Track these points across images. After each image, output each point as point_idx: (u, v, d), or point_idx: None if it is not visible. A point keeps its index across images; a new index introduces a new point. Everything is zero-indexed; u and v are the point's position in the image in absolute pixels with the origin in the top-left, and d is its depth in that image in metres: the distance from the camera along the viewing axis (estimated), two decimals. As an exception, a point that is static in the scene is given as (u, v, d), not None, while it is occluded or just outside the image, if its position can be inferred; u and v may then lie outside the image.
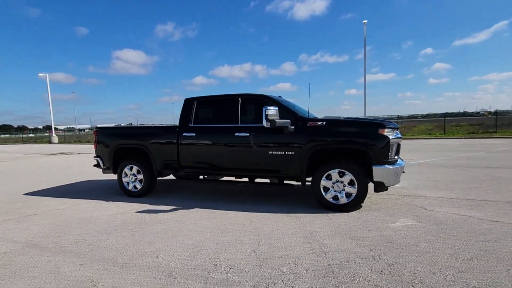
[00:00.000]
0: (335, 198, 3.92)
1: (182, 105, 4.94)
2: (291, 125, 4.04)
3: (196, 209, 4.29)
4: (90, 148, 17.91)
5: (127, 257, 2.76)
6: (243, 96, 4.53)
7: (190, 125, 4.76)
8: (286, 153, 4.09)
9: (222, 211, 4.13)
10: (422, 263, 2.45)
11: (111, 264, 2.63)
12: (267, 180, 4.88)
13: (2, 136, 56.05)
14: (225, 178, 5.13)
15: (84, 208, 4.57)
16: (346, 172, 3.84)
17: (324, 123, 3.99)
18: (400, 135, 4.04)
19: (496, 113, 23.83)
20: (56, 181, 7.03)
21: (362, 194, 3.82)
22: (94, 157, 5.57)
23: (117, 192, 5.51)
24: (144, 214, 4.14)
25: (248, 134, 4.29)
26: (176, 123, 4.97)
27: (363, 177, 3.80)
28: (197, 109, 4.82)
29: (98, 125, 5.82)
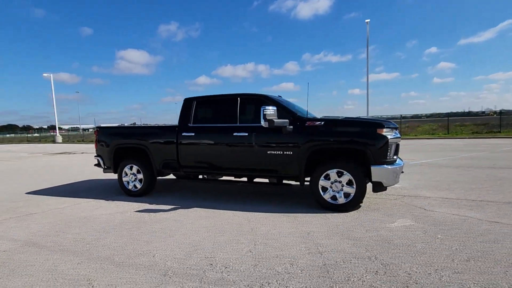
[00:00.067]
0: (334, 198, 3.91)
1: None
2: (290, 124, 4.03)
3: (195, 208, 4.30)
4: (93, 148, 18.03)
5: (124, 256, 2.78)
6: (242, 95, 4.53)
7: (189, 124, 4.78)
8: (285, 153, 4.09)
9: (221, 211, 4.14)
10: (418, 263, 2.43)
11: (108, 263, 2.65)
12: (266, 180, 4.88)
13: (8, 135, 56.63)
14: (224, 177, 5.13)
15: (84, 207, 4.60)
16: (345, 172, 3.82)
17: (322, 123, 3.98)
18: (399, 135, 4.01)
19: (501, 112, 23.59)
20: (58, 181, 7.10)
21: (360, 194, 3.81)
22: (95, 156, 5.61)
23: (117, 191, 5.54)
24: (143, 213, 4.16)
25: (246, 134, 4.29)
26: None
27: (362, 177, 3.78)
28: (196, 109, 4.83)
29: (99, 125, 5.86)
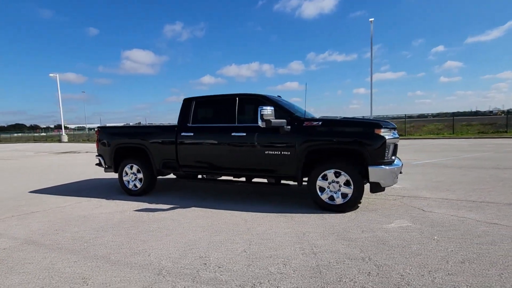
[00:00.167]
0: (331, 198, 3.90)
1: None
2: (287, 125, 4.03)
3: (193, 208, 4.33)
4: (98, 147, 18.19)
5: (120, 255, 2.81)
6: (240, 96, 4.55)
7: (188, 124, 4.80)
8: (282, 153, 4.09)
9: (219, 211, 4.16)
10: (411, 265, 2.42)
11: (103, 262, 2.68)
12: (265, 180, 4.89)
13: (15, 134, 57.48)
14: (223, 177, 5.15)
15: (84, 206, 4.66)
16: (342, 173, 3.81)
17: (320, 123, 3.97)
18: (397, 135, 3.99)
19: (508, 112, 23.18)
20: (61, 180, 7.19)
21: (358, 195, 3.79)
22: (96, 156, 5.68)
23: (118, 190, 5.60)
24: (142, 212, 4.20)
25: (244, 134, 4.30)
26: None
27: (359, 178, 3.77)
28: (196, 109, 4.85)
29: (100, 125, 5.92)
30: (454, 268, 2.35)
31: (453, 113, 25.65)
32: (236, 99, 4.54)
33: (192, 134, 4.71)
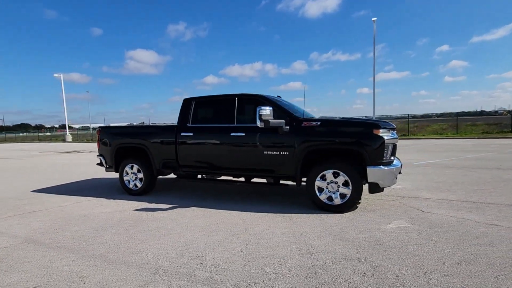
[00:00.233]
0: (330, 199, 3.90)
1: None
2: (286, 125, 4.03)
3: (192, 208, 4.35)
4: (101, 147, 18.31)
5: (118, 254, 2.84)
6: (239, 96, 4.56)
7: (188, 124, 4.82)
8: (281, 153, 4.09)
9: (218, 210, 4.17)
10: (407, 266, 2.41)
11: (101, 261, 2.71)
12: (264, 180, 4.89)
13: (21, 134, 58.03)
14: (223, 177, 5.17)
15: (85, 205, 4.70)
16: (341, 173, 3.81)
17: (318, 123, 3.97)
18: (396, 136, 3.97)
19: (513, 112, 22.95)
20: (64, 179, 7.26)
21: (356, 195, 3.78)
22: (97, 155, 5.73)
23: (119, 190, 5.64)
24: (141, 212, 4.23)
25: (243, 134, 4.31)
26: None
27: (358, 178, 3.76)
28: (195, 109, 4.87)
29: (101, 125, 5.97)
30: (451, 269, 2.34)
31: (457, 113, 25.44)
32: (235, 99, 4.55)
33: (191, 134, 4.73)
